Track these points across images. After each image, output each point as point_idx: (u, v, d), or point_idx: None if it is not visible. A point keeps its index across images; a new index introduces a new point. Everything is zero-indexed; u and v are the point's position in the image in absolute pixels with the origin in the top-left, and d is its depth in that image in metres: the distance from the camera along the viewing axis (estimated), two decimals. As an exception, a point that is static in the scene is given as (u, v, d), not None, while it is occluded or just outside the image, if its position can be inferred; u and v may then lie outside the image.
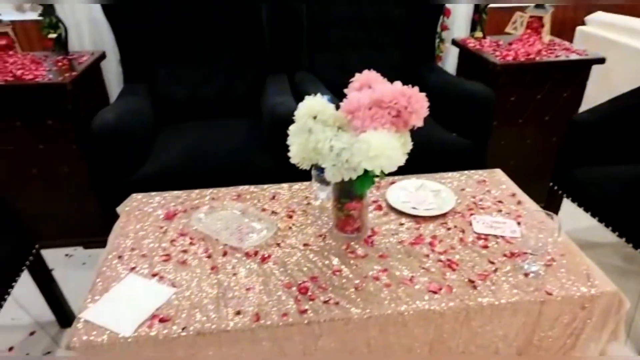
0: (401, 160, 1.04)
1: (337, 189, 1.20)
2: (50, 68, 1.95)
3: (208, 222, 1.32)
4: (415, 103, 1.04)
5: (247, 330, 1.00)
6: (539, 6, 2.19)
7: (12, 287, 1.41)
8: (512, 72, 2.04)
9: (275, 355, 1.04)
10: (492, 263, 1.16)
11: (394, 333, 1.06)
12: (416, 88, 1.06)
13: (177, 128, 2.07)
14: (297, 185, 1.49)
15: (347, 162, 1.03)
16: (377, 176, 1.06)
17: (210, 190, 1.48)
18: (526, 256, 1.16)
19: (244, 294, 1.07)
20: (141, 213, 1.38)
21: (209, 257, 1.19)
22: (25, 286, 1.54)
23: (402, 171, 1.09)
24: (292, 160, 1.11)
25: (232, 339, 1.00)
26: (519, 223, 1.29)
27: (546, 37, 2.23)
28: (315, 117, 1.09)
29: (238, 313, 1.02)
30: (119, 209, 1.43)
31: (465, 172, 1.57)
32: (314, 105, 1.10)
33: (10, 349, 1.61)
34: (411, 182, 1.48)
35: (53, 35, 2.15)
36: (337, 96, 1.20)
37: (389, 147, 1.00)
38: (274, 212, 1.37)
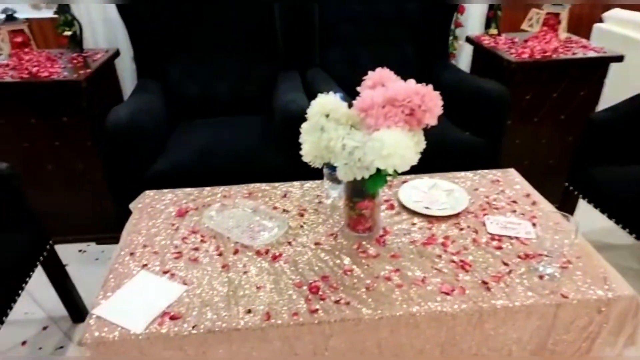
0: (414, 159, 1.03)
1: (349, 188, 1.19)
2: (65, 65, 1.96)
3: (219, 220, 1.32)
4: (429, 101, 1.02)
5: (258, 329, 0.99)
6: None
7: (26, 282, 1.43)
8: (528, 70, 2.01)
9: (285, 354, 1.04)
10: (506, 265, 1.14)
11: (405, 334, 1.04)
12: (430, 86, 1.05)
13: (189, 125, 2.08)
14: (308, 184, 1.49)
15: (360, 161, 1.02)
16: (390, 175, 1.05)
17: (222, 187, 1.48)
18: (541, 258, 1.14)
19: (255, 293, 1.07)
20: (153, 210, 1.38)
21: (220, 255, 1.19)
22: (39, 281, 1.56)
23: (415, 170, 1.07)
24: (304, 159, 1.11)
25: (243, 337, 1.00)
26: (534, 224, 1.27)
27: (563, 34, 2.19)
28: (327, 115, 1.08)
29: (249, 312, 1.02)
30: (131, 206, 1.43)
31: (479, 171, 1.55)
32: (327, 103, 1.09)
33: (24, 343, 1.63)
34: (424, 182, 1.47)
35: (68, 33, 2.17)
36: (349, 93, 1.19)
37: (402, 146, 0.99)
38: (285, 211, 1.36)
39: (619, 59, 2.05)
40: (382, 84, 1.09)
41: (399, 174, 1.03)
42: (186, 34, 2.14)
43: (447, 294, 1.06)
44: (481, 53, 2.32)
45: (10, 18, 1.92)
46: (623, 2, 2.76)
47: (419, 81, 1.05)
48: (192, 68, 2.16)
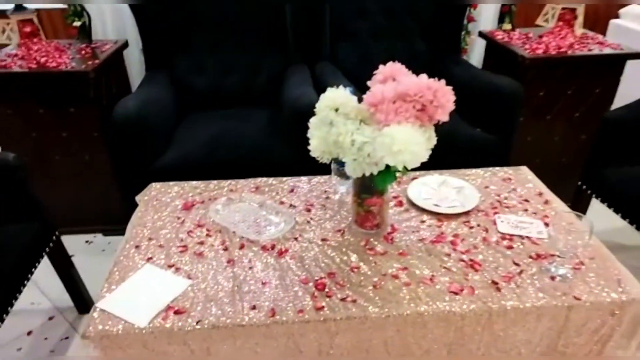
0: (425, 156, 1.00)
1: (357, 184, 1.17)
2: (73, 56, 1.96)
3: (225, 214, 1.30)
4: (442, 97, 1.00)
5: (262, 326, 0.98)
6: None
7: (32, 272, 1.43)
8: (542, 66, 1.97)
9: (290, 351, 1.02)
10: (517, 265, 1.12)
11: (412, 334, 1.03)
12: (442, 81, 1.02)
13: (197, 117, 2.06)
14: (316, 179, 1.47)
15: (369, 157, 1.00)
16: (399, 172, 1.03)
17: (229, 181, 1.46)
18: (553, 259, 1.11)
19: (260, 289, 1.06)
20: (159, 203, 1.37)
21: (225, 249, 1.18)
22: (46, 272, 1.56)
23: (424, 166, 1.05)
24: (312, 154, 1.09)
25: (247, 333, 0.99)
26: (546, 224, 1.24)
27: (579, 30, 2.14)
28: (336, 110, 1.06)
29: (253, 308, 1.01)
30: (138, 198, 1.42)
31: (490, 168, 1.52)
32: (336, 97, 1.07)
33: (29, 333, 1.64)
34: (433, 178, 1.44)
35: (77, 23, 2.17)
36: (359, 88, 1.17)
37: (413, 142, 0.97)
38: (292, 206, 1.35)
39: (636, 55, 2.00)
40: (393, 78, 1.07)
41: (409, 171, 1.01)
42: (195, 26, 2.12)
43: (456, 293, 1.04)
44: (494, 48, 2.27)
45: (20, 8, 1.91)
46: (641, -2, 2.70)
47: (430, 76, 1.03)
48: (201, 60, 2.15)
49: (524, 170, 1.52)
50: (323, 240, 1.21)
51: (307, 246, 1.19)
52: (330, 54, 2.20)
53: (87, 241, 2.10)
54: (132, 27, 2.22)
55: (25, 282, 1.40)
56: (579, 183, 1.84)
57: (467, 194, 1.37)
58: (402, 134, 0.96)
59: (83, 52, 2.01)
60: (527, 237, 1.21)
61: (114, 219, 2.02)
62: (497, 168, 1.52)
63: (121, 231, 1.31)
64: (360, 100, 1.07)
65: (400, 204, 1.35)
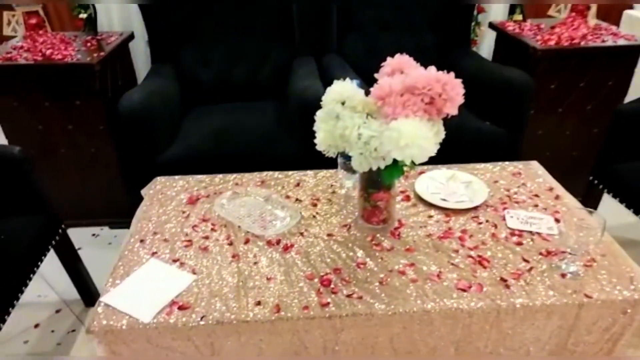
0: (433, 150, 0.98)
1: (363, 179, 1.15)
2: (79, 48, 1.95)
3: (230, 208, 1.29)
4: (451, 90, 0.97)
5: (267, 322, 0.97)
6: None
7: (38, 265, 1.43)
8: (553, 58, 1.93)
9: (295, 347, 1.01)
10: (527, 261, 1.10)
11: (419, 331, 1.01)
12: (452, 74, 0.99)
13: (203, 110, 2.05)
14: (322, 173, 1.45)
15: (376, 151, 0.98)
16: (407, 166, 1.00)
17: (234, 175, 1.45)
18: (564, 255, 1.09)
19: (265, 284, 1.05)
20: (164, 197, 1.37)
21: (230, 244, 1.17)
22: (52, 264, 1.56)
23: (432, 161, 1.02)
24: (319, 148, 1.07)
25: (252, 329, 0.98)
26: (556, 219, 1.22)
27: (592, 20, 2.09)
28: (343, 103, 1.04)
29: (258, 303, 1.00)
30: (143, 192, 1.42)
31: (499, 163, 1.49)
32: (343, 90, 1.05)
33: (36, 325, 1.64)
34: (441, 173, 1.42)
35: (83, 15, 2.16)
36: (367, 80, 1.15)
37: (421, 136, 0.94)
38: (298, 200, 1.33)
39: (651, 47, 1.96)
40: (401, 70, 1.04)
41: (416, 165, 0.99)
42: (201, 18, 2.10)
43: (464, 290, 1.02)
44: (505, 40, 2.23)
45: (25, -1, 1.90)
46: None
47: (439, 68, 1.00)
48: (206, 53, 2.13)
49: (534, 164, 1.49)
50: (329, 235, 1.20)
51: (313, 241, 1.17)
52: (337, 46, 2.17)
53: (93, 234, 2.10)
54: (138, 19, 2.21)
55: (32, 275, 1.40)
56: (591, 177, 1.81)
57: (475, 188, 1.35)
58: (409, 128, 0.94)
59: (89, 44, 2.00)
60: (537, 233, 1.18)
61: (120, 212, 2.02)
62: (507, 162, 1.49)
63: (127, 224, 1.30)
64: (367, 93, 1.05)
65: (407, 198, 1.33)
